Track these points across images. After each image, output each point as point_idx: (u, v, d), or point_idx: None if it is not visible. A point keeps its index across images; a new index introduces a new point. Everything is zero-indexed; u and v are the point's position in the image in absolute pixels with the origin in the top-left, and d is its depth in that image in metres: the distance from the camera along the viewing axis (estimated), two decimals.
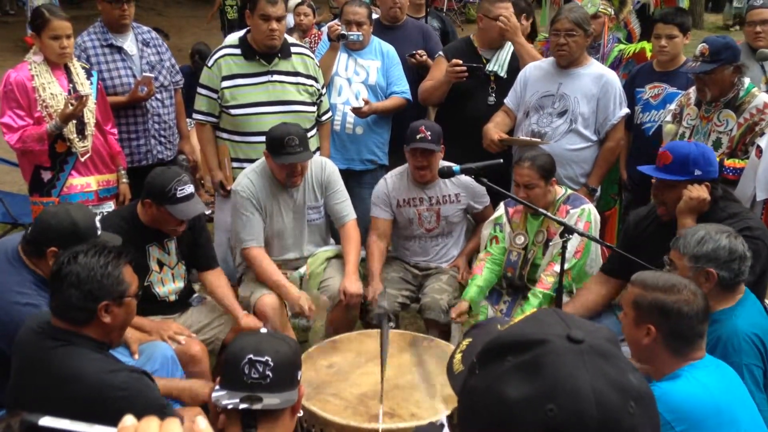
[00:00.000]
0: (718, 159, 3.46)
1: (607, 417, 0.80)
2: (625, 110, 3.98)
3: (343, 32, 4.22)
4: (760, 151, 3.36)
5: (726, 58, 3.40)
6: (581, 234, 3.11)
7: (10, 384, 2.26)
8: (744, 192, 3.40)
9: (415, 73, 4.55)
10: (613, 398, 0.81)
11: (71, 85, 3.80)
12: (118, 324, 2.26)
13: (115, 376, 2.14)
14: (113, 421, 2.18)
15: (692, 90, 3.72)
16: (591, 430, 0.79)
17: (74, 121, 3.73)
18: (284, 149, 3.45)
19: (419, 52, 4.56)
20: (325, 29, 4.66)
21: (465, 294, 3.56)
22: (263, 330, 2.09)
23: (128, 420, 0.75)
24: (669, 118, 3.83)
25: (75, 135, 3.78)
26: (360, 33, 4.28)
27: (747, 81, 3.54)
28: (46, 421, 0.75)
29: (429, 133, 3.69)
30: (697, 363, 2.15)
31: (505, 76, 4.23)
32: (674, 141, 3.44)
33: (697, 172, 2.92)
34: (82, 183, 3.86)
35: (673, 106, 3.87)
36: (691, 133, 3.63)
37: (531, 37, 4.89)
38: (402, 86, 4.43)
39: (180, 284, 3.44)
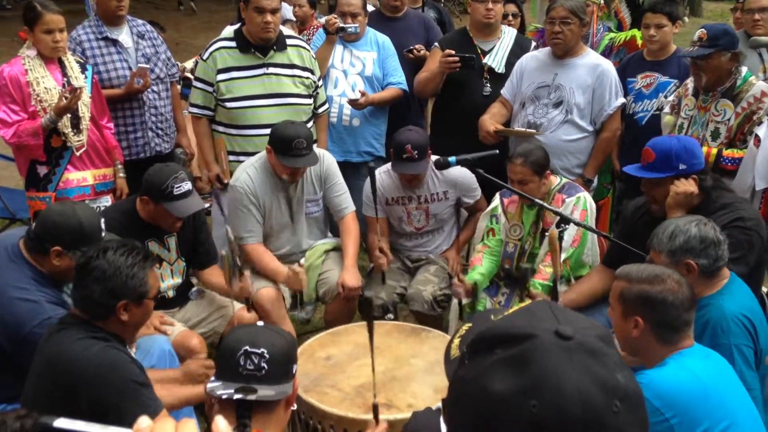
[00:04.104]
0: (716, 149, 3.47)
1: (591, 415, 0.79)
2: (621, 100, 3.98)
3: (341, 25, 4.20)
4: (758, 140, 3.35)
5: (724, 44, 3.40)
6: (576, 223, 3.12)
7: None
8: (743, 182, 3.39)
9: (416, 67, 4.52)
10: (597, 397, 0.80)
11: (65, 79, 3.79)
12: (133, 323, 2.31)
13: (87, 351, 2.17)
14: (92, 395, 2.19)
15: (689, 80, 3.71)
16: (574, 428, 0.79)
17: (69, 115, 3.73)
18: (291, 151, 3.45)
19: (417, 47, 4.54)
20: (323, 21, 4.64)
21: (469, 278, 3.57)
22: (260, 323, 2.11)
23: (143, 422, 0.75)
24: (667, 109, 3.82)
25: (70, 129, 3.77)
26: (356, 25, 4.27)
27: (744, 69, 3.53)
28: (60, 422, 0.76)
29: (416, 151, 3.62)
30: (685, 351, 2.17)
31: (503, 71, 4.22)
32: (656, 137, 3.42)
33: (682, 166, 2.91)
34: (79, 177, 3.86)
35: (671, 98, 3.86)
36: (689, 124, 3.62)
37: (521, 30, 4.91)
38: (398, 77, 4.42)
39: (178, 280, 3.45)
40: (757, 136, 3.36)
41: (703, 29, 3.48)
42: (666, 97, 4.02)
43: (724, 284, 2.57)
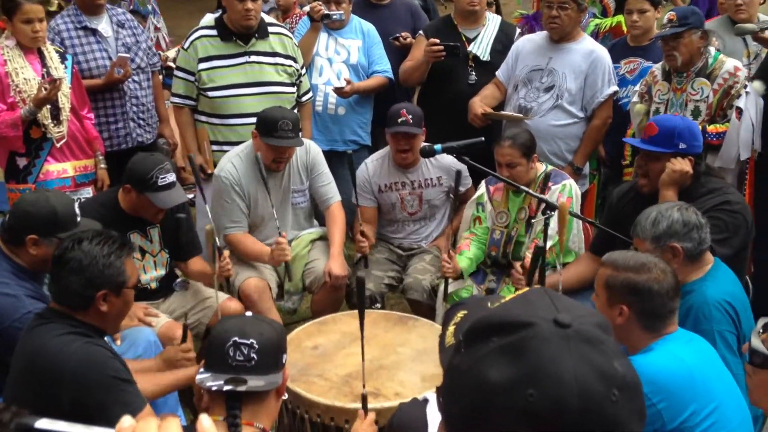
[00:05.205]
0: (700, 126, 3.51)
1: (589, 405, 0.78)
2: (614, 88, 3.98)
3: (326, 12, 4.16)
4: (739, 112, 3.45)
5: (693, 22, 3.49)
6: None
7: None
8: (729, 154, 3.49)
9: (402, 55, 4.50)
10: (596, 386, 0.78)
11: (45, 70, 3.73)
12: (114, 313, 2.28)
13: (68, 347, 2.14)
14: (74, 393, 2.17)
15: (656, 67, 3.79)
16: (571, 417, 0.77)
17: (48, 106, 3.67)
18: (276, 132, 3.42)
19: (403, 34, 4.52)
20: (306, 9, 4.59)
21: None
22: (248, 314, 2.10)
23: (126, 421, 0.73)
24: (636, 98, 3.85)
25: (50, 120, 3.72)
26: (341, 12, 4.23)
27: (712, 50, 3.62)
28: (42, 423, 0.74)
29: (410, 116, 3.66)
30: (669, 336, 2.20)
31: (488, 59, 4.21)
32: (661, 114, 3.52)
33: (682, 146, 2.96)
34: (59, 169, 3.81)
35: (637, 87, 3.90)
36: (666, 108, 3.66)
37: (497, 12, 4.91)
38: (384, 65, 4.39)
39: (162, 272, 3.41)
40: (738, 108, 3.46)
41: (671, 11, 3.60)
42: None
43: (708, 269, 2.60)
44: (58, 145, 3.77)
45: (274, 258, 3.48)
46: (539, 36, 4.11)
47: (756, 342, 1.61)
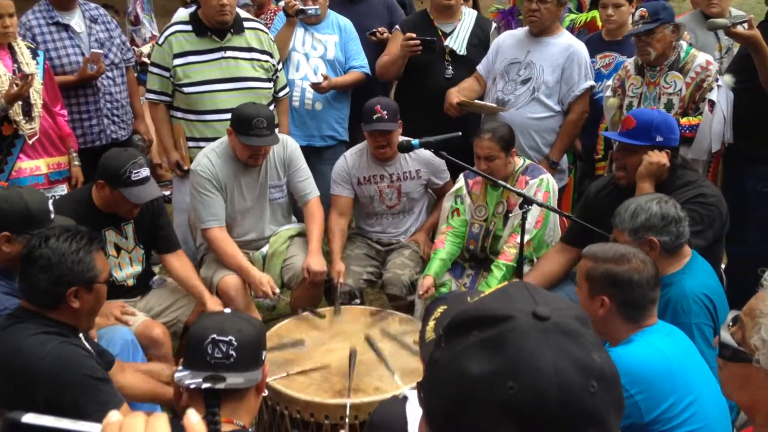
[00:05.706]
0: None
1: (568, 396, 0.78)
2: (590, 82, 4.00)
3: (301, 7, 4.14)
4: (712, 105, 3.52)
5: (665, 17, 3.54)
6: (540, 204, 3.15)
7: None
8: (702, 146, 3.55)
9: (378, 50, 4.49)
10: (574, 378, 0.79)
11: (16, 65, 3.68)
12: (86, 310, 2.26)
13: (43, 347, 2.12)
14: (49, 393, 2.15)
15: (629, 62, 3.82)
16: (551, 410, 0.78)
17: (20, 103, 3.62)
18: (252, 130, 3.40)
19: (380, 29, 4.51)
20: (281, 4, 4.57)
21: (428, 269, 3.57)
22: (227, 310, 2.08)
23: (113, 416, 0.72)
24: (609, 93, 3.89)
25: (21, 117, 3.66)
26: (317, 6, 4.21)
27: (684, 44, 3.67)
28: (29, 418, 0.73)
29: (385, 112, 3.65)
30: (649, 328, 2.22)
31: (464, 53, 4.22)
32: (638, 108, 3.56)
33: (659, 139, 3.00)
34: (32, 166, 3.75)
35: (610, 82, 3.94)
36: (639, 101, 3.70)
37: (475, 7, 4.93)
38: (360, 60, 4.38)
39: (138, 268, 3.38)
40: (710, 101, 3.52)
41: (642, 8, 3.63)
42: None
43: (686, 262, 2.63)
44: (30, 142, 3.72)
45: (253, 287, 3.49)
46: (520, 31, 4.15)
47: (725, 335, 1.63)
